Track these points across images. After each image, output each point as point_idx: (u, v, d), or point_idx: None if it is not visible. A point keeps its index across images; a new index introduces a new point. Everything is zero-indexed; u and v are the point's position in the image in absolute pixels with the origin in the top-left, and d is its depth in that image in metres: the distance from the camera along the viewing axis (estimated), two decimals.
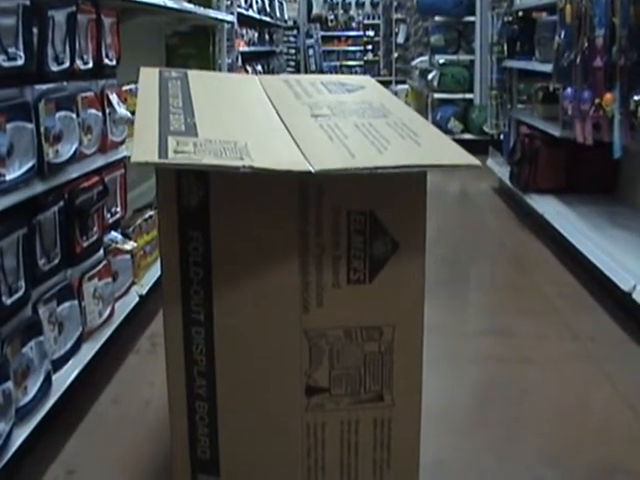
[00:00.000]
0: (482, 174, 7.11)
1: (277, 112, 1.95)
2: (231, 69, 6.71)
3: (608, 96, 3.82)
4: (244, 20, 7.83)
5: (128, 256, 3.28)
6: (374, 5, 22.90)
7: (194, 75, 2.24)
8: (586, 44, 4.02)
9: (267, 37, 10.82)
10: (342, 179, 1.59)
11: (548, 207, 5.12)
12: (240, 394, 1.70)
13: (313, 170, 1.54)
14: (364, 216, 1.60)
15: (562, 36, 4.45)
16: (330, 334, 1.65)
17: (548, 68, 4.83)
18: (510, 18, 6.51)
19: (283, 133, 1.78)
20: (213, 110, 1.95)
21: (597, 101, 3.93)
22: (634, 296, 3.34)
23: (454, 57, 9.36)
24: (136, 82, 3.54)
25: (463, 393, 2.97)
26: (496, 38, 7.03)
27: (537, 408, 2.83)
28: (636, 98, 3.60)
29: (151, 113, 1.82)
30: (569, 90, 4.32)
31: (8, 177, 2.17)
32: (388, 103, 2.09)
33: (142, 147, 1.59)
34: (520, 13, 6.36)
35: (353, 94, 2.21)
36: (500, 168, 6.62)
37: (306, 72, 17.86)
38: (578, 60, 4.12)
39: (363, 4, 23.44)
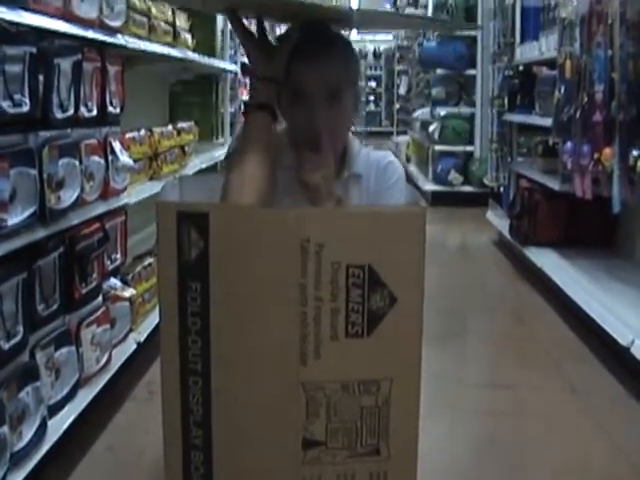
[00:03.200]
0: (482, 227, 7.14)
1: None
2: (234, 117, 6.75)
3: (607, 151, 3.85)
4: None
5: (127, 303, 3.28)
6: (377, 56, 23.14)
7: None
8: (585, 99, 4.06)
9: None
10: (342, 233, 1.60)
11: (547, 260, 5.14)
12: (236, 445, 1.69)
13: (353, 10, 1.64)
14: (362, 270, 1.61)
15: (562, 91, 4.49)
16: (327, 387, 1.65)
17: (548, 122, 4.87)
18: (511, 72, 6.58)
19: None
20: None
21: (596, 156, 3.96)
22: (632, 351, 3.33)
23: (455, 109, 9.43)
24: (139, 130, 3.60)
25: (462, 445, 2.95)
26: (497, 92, 7.10)
27: (536, 461, 2.82)
28: (635, 153, 3.62)
29: None
30: (568, 144, 4.35)
31: (10, 222, 2.18)
32: None
33: None
34: (521, 67, 6.43)
35: None
36: (500, 221, 6.64)
37: None
38: (577, 115, 4.16)
39: (366, 55, 23.69)
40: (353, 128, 1.97)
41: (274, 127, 1.86)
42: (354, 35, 28.79)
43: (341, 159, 1.97)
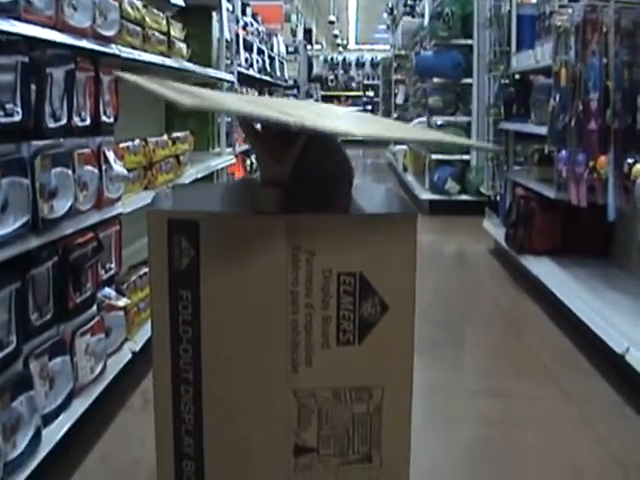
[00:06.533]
0: (478, 235, 7.13)
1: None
2: (230, 128, 6.76)
3: (602, 159, 3.85)
4: (244, 79, 7.90)
5: (121, 312, 3.27)
6: (374, 66, 23.18)
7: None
8: (580, 107, 4.05)
9: (267, 96, 10.93)
10: (334, 241, 1.60)
11: (543, 269, 5.13)
12: (228, 453, 1.69)
13: (361, 136, 1.60)
14: (354, 277, 1.61)
15: (557, 99, 4.49)
16: (319, 394, 1.65)
17: (544, 130, 4.86)
18: (507, 81, 6.58)
19: (313, 117, 1.78)
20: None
21: (591, 164, 3.95)
22: (627, 358, 3.33)
23: (452, 118, 9.43)
24: (133, 139, 3.59)
25: (456, 455, 2.94)
26: (493, 100, 7.09)
27: (531, 472, 2.81)
28: (630, 161, 3.63)
29: None
30: (564, 153, 4.35)
31: (2, 232, 2.18)
32: (375, 117, 2.12)
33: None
34: (517, 76, 6.42)
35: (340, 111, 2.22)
36: (496, 229, 6.63)
37: None
38: (572, 123, 4.16)
39: (363, 65, 23.74)
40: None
41: None
42: (352, 45, 28.91)
43: None
